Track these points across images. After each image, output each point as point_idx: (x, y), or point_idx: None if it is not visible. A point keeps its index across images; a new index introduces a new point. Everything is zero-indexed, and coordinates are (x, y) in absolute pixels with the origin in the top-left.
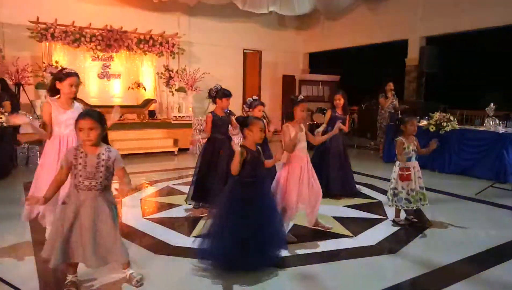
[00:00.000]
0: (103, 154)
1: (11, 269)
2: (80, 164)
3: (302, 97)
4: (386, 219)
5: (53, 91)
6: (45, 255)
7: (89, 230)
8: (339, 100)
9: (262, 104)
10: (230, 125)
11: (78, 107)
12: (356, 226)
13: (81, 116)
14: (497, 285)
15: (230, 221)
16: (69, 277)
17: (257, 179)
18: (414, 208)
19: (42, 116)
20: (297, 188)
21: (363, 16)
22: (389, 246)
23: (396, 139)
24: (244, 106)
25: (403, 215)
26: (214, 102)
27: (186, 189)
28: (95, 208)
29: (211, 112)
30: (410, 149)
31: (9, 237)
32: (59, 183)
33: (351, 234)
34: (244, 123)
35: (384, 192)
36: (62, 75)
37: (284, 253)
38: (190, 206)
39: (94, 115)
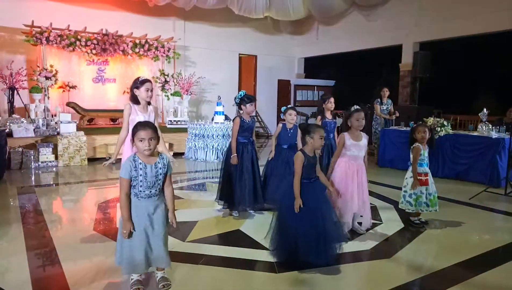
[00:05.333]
0: (159, 162)
1: (5, 275)
2: (141, 175)
3: (357, 107)
4: (381, 223)
5: (135, 99)
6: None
7: (161, 233)
8: (332, 104)
9: (294, 109)
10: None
11: (151, 111)
12: (351, 230)
13: (141, 127)
14: (491, 289)
15: (289, 218)
16: (134, 276)
17: (310, 181)
18: (433, 211)
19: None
20: (350, 188)
21: (358, 22)
22: (384, 250)
23: (413, 146)
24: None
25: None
26: (240, 108)
27: (182, 193)
28: (156, 213)
29: (238, 116)
30: (425, 155)
31: (3, 243)
32: (128, 197)
33: (347, 239)
34: (306, 130)
35: (379, 196)
36: (138, 83)
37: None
38: (220, 207)
39: (152, 126)
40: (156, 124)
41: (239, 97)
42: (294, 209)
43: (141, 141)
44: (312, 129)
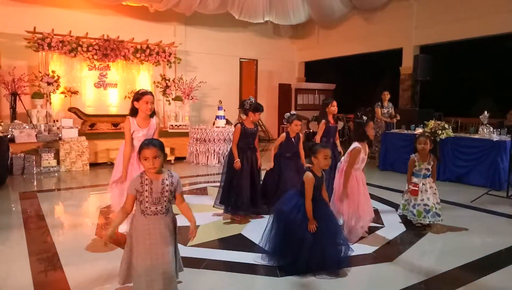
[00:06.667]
0: (166, 179)
1: (7, 280)
2: (146, 191)
3: (366, 118)
4: (383, 227)
5: (134, 111)
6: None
7: (169, 254)
8: (335, 107)
9: (299, 119)
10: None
11: (153, 124)
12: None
13: (145, 146)
14: None
15: (291, 224)
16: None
17: (315, 199)
18: (422, 222)
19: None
20: (355, 197)
21: (358, 26)
22: (386, 254)
23: (411, 156)
24: (284, 120)
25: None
26: (246, 114)
27: (185, 198)
28: (161, 232)
29: (240, 122)
30: (421, 167)
31: (5, 248)
32: (127, 213)
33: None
34: (311, 150)
35: (381, 199)
36: (138, 95)
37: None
38: (218, 211)
39: (157, 144)
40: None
41: (249, 102)
42: (309, 229)
43: (146, 160)
44: (317, 150)
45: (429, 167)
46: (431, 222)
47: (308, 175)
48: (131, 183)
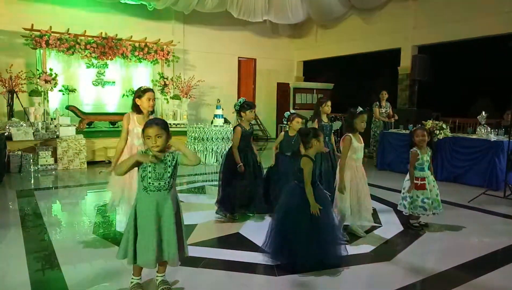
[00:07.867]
0: (168, 155)
1: (4, 279)
2: (149, 166)
3: (361, 109)
4: (380, 226)
5: (137, 108)
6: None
7: (171, 229)
8: (329, 107)
9: (300, 116)
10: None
11: None
12: (351, 233)
13: (148, 124)
14: None
15: (289, 222)
16: (135, 279)
17: (314, 185)
18: (429, 215)
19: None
20: (363, 191)
21: (356, 25)
22: (384, 253)
23: (411, 150)
24: (283, 120)
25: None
26: (240, 115)
27: (181, 196)
28: (165, 208)
29: (239, 124)
30: (423, 159)
31: (2, 246)
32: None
33: (346, 241)
34: (312, 133)
35: (378, 199)
36: (140, 92)
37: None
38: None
39: (160, 123)
40: None
41: (239, 104)
42: (315, 213)
43: (149, 138)
44: (319, 133)
45: (429, 158)
46: (440, 212)
47: (307, 160)
48: (138, 151)
